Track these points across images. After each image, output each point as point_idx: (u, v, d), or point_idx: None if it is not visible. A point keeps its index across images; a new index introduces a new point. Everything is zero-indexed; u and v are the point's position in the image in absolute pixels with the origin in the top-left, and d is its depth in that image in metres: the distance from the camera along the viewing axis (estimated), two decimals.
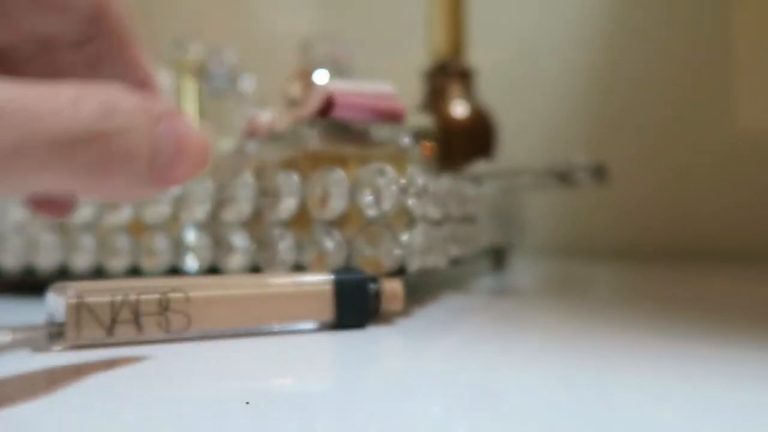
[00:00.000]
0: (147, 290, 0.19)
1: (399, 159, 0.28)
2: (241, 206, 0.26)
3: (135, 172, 0.14)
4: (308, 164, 0.26)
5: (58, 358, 0.17)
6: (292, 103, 0.29)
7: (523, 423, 0.12)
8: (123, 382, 0.15)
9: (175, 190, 0.27)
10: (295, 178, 0.24)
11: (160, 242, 0.28)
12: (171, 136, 0.14)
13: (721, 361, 0.17)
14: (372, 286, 0.21)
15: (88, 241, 0.29)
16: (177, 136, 0.15)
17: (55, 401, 0.14)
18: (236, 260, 0.26)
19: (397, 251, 0.23)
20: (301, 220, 0.25)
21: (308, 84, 0.29)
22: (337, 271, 0.21)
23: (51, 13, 0.16)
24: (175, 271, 0.28)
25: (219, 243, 0.26)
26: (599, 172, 0.32)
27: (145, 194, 0.15)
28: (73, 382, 0.15)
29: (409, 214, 0.23)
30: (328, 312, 0.21)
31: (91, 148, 0.13)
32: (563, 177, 0.36)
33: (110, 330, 0.18)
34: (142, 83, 0.18)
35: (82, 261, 0.29)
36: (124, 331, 0.18)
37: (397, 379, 0.16)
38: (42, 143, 0.12)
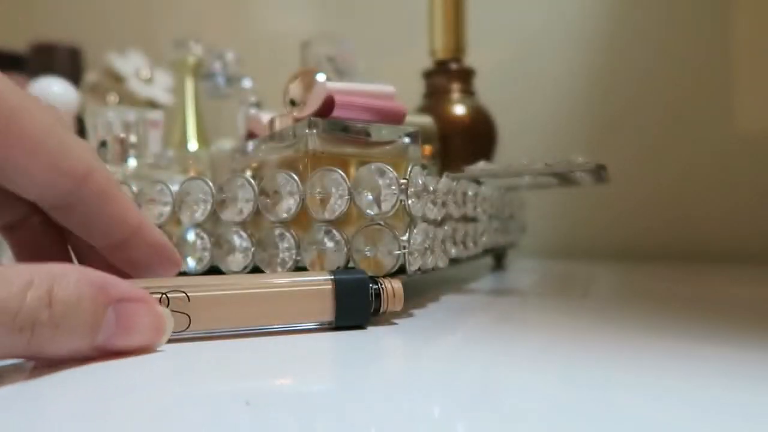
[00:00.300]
0: (147, 290, 0.18)
1: (399, 159, 0.28)
2: (241, 206, 0.26)
3: (72, 346, 0.16)
4: (308, 164, 0.26)
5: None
6: (292, 103, 0.29)
7: (523, 423, 0.12)
8: (123, 382, 0.15)
9: (175, 189, 0.27)
10: (295, 178, 0.24)
11: None
12: (117, 318, 0.16)
13: (721, 361, 0.17)
14: (372, 286, 0.21)
15: None
16: (125, 317, 0.17)
17: (55, 401, 0.14)
18: (236, 260, 0.26)
19: (397, 251, 0.23)
20: (301, 220, 0.25)
21: (308, 84, 0.29)
22: (337, 271, 0.21)
23: (41, 182, 0.18)
24: None
25: (219, 243, 0.26)
26: (599, 172, 0.32)
27: (90, 356, 0.16)
28: (72, 382, 0.15)
29: (409, 214, 0.23)
30: (328, 312, 0.21)
31: (23, 335, 0.14)
32: (563, 177, 0.36)
33: None
34: (132, 233, 0.20)
35: None
36: None
37: (397, 379, 0.16)
38: None
